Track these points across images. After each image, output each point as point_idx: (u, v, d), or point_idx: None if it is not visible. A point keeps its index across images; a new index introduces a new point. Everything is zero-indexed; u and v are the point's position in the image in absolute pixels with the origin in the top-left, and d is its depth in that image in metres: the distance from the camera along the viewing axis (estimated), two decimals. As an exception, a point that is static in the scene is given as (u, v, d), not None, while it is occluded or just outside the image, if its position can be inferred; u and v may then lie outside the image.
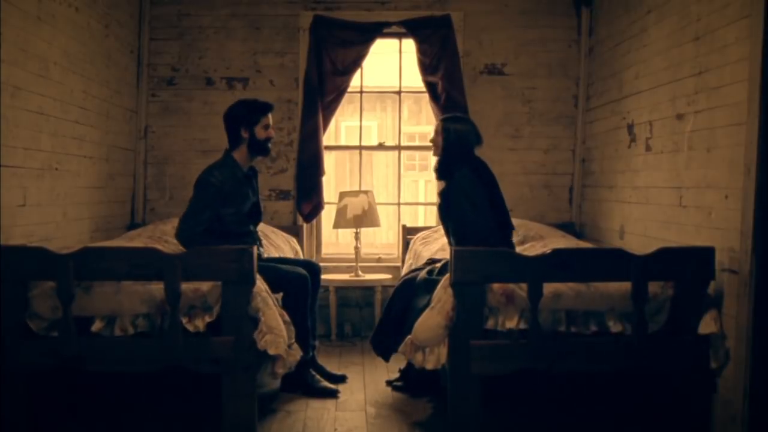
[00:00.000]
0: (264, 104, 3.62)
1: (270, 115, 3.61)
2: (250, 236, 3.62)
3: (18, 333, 2.95)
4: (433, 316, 3.05)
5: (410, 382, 3.76)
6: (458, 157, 3.40)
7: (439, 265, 3.57)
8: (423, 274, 3.56)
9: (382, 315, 3.75)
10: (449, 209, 3.38)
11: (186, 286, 2.94)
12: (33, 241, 3.40)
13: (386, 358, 3.69)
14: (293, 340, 3.21)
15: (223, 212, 3.45)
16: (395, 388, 3.79)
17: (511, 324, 3.01)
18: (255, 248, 3.09)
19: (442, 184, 3.50)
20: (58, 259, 2.88)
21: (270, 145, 3.63)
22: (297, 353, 3.21)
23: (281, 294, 3.53)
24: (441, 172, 3.47)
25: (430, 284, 3.34)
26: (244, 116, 3.54)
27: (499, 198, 3.40)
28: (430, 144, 3.55)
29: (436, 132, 3.51)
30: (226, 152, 3.60)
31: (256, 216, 3.72)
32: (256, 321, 3.03)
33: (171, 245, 3.81)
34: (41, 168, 3.56)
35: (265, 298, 3.09)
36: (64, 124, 3.82)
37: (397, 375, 3.89)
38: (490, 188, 3.37)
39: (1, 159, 3.16)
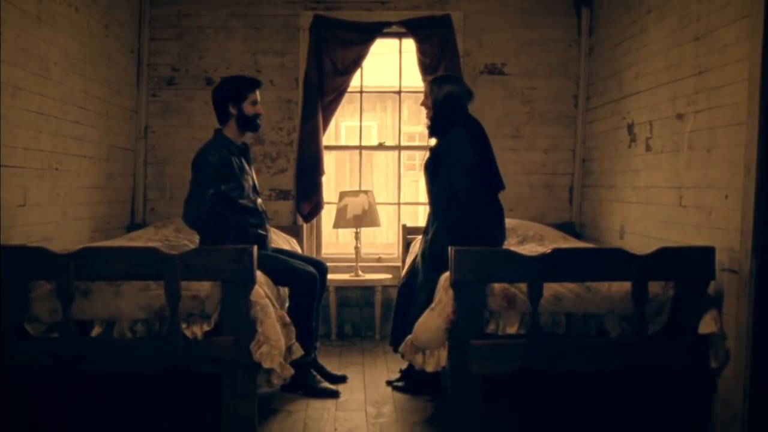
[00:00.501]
0: (251, 80, 3.62)
1: (258, 92, 3.58)
2: (257, 212, 3.58)
3: (18, 333, 2.95)
4: (433, 318, 3.05)
5: (411, 382, 3.75)
6: (450, 116, 3.42)
7: (427, 240, 3.50)
8: (419, 259, 3.56)
9: (393, 321, 3.76)
10: (437, 165, 3.38)
11: (184, 293, 2.93)
12: (33, 241, 3.40)
13: None
14: (293, 341, 3.20)
15: (225, 188, 3.41)
16: (396, 389, 3.78)
17: (511, 330, 3.02)
18: (255, 247, 3.06)
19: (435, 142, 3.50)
20: (58, 259, 2.88)
21: (259, 121, 3.60)
22: (298, 352, 3.21)
23: (286, 288, 3.51)
24: (433, 130, 3.48)
25: (428, 277, 3.34)
26: (231, 92, 3.52)
27: (490, 157, 3.41)
28: (422, 107, 3.57)
29: (425, 94, 3.54)
30: (216, 131, 3.58)
31: (254, 191, 3.68)
32: (254, 330, 3.01)
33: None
34: (41, 168, 3.56)
35: (264, 306, 3.05)
36: (64, 124, 3.82)
37: (397, 375, 3.89)
38: (481, 147, 3.38)
39: (1, 159, 3.16)
